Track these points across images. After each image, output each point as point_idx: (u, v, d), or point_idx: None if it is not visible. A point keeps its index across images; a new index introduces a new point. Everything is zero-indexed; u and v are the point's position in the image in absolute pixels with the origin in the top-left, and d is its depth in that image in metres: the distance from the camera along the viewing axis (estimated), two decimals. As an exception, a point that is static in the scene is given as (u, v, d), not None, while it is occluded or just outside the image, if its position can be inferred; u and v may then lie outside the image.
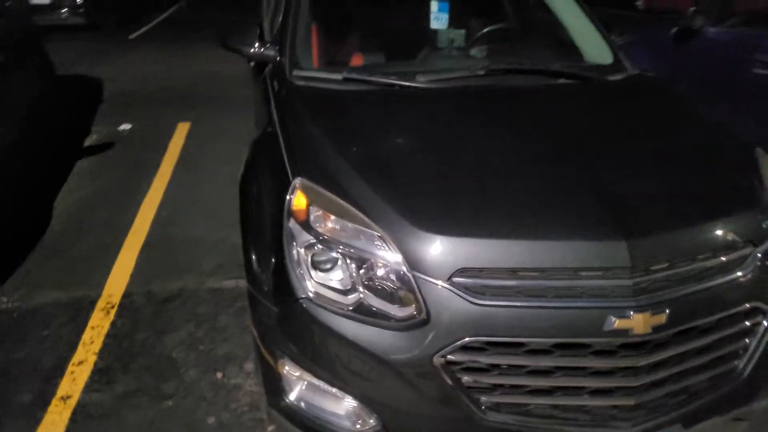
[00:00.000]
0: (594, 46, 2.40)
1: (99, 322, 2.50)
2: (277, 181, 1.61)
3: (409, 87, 1.99)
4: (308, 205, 1.48)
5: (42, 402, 2.07)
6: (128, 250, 3.05)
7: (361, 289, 1.38)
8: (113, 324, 2.49)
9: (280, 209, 1.51)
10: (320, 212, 1.46)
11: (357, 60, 2.41)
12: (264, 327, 1.58)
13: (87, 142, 4.63)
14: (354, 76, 2.03)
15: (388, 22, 2.58)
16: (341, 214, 1.44)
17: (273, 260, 1.51)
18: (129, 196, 3.67)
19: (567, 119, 1.89)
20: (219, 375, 2.21)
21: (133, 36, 9.66)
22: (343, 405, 1.48)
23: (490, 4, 3.04)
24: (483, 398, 1.36)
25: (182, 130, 4.92)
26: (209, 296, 2.70)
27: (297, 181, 1.52)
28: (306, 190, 1.50)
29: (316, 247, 1.43)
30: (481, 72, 2.10)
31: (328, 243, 1.42)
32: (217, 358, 2.31)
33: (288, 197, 1.51)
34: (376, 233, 1.38)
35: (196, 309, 2.61)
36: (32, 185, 3.77)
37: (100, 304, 2.62)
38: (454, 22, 2.52)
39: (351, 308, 1.38)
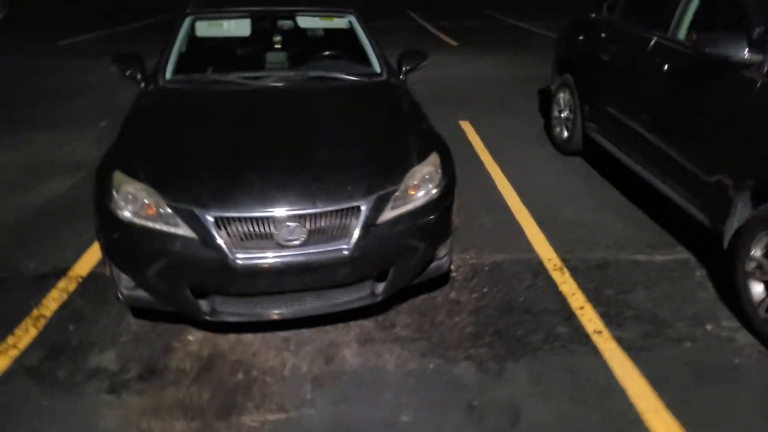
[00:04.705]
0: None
1: (562, 278, 2.99)
2: None
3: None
4: None
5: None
6: (528, 225, 3.55)
7: None
8: (577, 280, 2.97)
9: None
10: None
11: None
12: None
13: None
14: None
15: None
16: None
17: None
18: (478, 180, 4.21)
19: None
20: (709, 327, 2.62)
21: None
22: None
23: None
24: None
25: (467, 127, 5.47)
26: (634, 266, 3.12)
27: None
28: None
29: None
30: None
31: None
32: (690, 315, 2.72)
33: None
34: None
35: (632, 276, 3.04)
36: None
37: (548, 265, 3.11)
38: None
39: None
